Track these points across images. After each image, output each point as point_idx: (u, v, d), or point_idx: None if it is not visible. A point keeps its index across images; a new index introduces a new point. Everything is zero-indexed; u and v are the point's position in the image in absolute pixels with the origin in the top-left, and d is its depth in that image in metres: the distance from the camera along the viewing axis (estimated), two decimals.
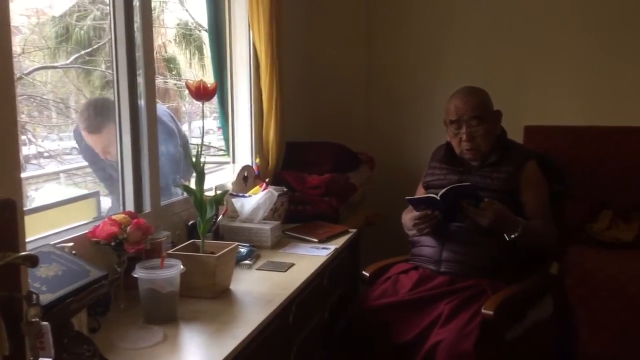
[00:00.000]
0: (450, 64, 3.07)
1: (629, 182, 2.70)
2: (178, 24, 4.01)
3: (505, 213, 1.94)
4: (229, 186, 2.32)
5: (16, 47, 2.21)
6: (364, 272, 2.16)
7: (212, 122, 3.51)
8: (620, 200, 2.68)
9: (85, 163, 2.26)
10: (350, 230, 2.32)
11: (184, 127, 3.07)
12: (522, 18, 2.93)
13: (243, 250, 1.92)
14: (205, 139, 2.20)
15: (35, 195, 2.50)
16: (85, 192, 2.49)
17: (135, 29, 1.81)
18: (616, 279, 2.17)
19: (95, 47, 2.77)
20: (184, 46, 4.36)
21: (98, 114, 2.05)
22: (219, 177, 2.43)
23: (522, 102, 2.90)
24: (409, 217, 2.15)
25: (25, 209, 1.04)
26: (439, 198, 1.96)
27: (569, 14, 2.87)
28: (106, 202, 2.17)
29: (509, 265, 1.97)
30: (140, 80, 1.83)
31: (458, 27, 3.05)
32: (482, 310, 1.76)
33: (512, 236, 1.93)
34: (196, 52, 4.36)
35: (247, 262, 1.89)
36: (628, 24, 2.79)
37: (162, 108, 2.32)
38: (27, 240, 1.00)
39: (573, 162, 2.71)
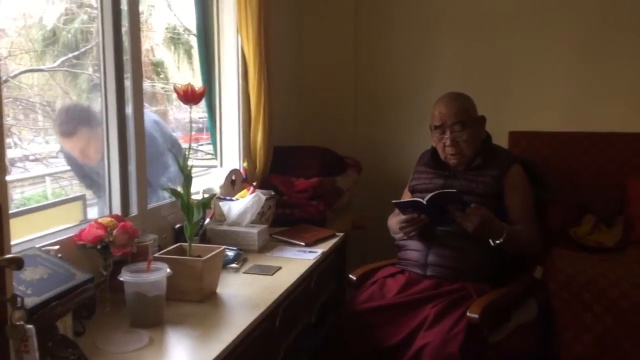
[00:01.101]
0: (436, 70, 3.10)
1: (612, 187, 2.74)
2: (167, 28, 4.00)
3: (491, 219, 1.95)
4: (217, 190, 2.32)
5: (2, 50, 2.20)
6: (351, 276, 2.17)
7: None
8: (603, 204, 2.72)
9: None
10: (337, 233, 2.33)
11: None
12: (508, 24, 2.98)
13: (230, 253, 1.92)
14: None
15: None
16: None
17: (123, 33, 1.81)
18: (598, 283, 2.20)
19: (82, 50, 2.76)
20: (172, 50, 4.34)
21: (70, 117, 2.07)
22: (207, 181, 2.43)
23: (506, 108, 2.94)
24: (395, 220, 2.16)
25: (10, 212, 1.04)
26: (424, 203, 1.97)
27: (553, 21, 2.91)
28: (93, 212, 2.14)
29: (494, 269, 1.99)
30: (128, 83, 1.83)
31: (445, 33, 3.09)
32: (468, 314, 1.78)
33: (497, 242, 1.95)
34: (184, 55, 4.34)
35: (234, 265, 1.89)
36: (611, 32, 2.84)
37: (149, 118, 2.17)
38: (12, 243, 1.00)
39: (557, 167, 2.75)
